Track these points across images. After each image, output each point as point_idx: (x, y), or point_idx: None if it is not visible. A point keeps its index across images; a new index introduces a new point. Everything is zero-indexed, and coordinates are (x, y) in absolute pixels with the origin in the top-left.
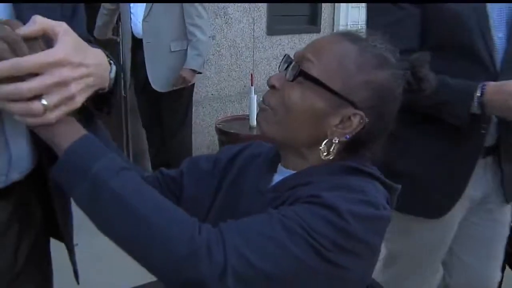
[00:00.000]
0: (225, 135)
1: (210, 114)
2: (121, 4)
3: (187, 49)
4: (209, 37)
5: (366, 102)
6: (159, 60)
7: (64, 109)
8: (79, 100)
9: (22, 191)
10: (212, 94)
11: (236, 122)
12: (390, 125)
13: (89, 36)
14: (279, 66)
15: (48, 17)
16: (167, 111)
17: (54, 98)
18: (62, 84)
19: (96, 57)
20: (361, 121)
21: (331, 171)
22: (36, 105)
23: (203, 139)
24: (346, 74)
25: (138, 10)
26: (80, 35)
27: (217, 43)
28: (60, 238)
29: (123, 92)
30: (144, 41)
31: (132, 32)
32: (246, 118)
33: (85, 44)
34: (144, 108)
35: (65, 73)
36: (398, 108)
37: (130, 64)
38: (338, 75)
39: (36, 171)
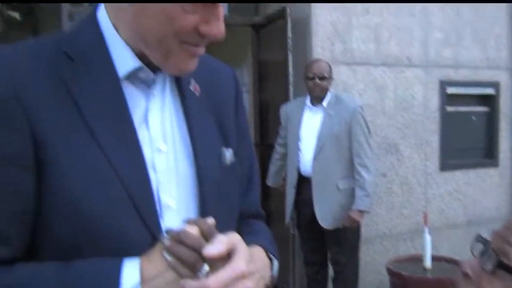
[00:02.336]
0: (396, 277)
1: (380, 253)
2: (289, 143)
3: (354, 187)
4: (380, 174)
5: None
6: (327, 198)
7: None
8: None
9: None
10: (383, 232)
11: (408, 263)
12: None
13: (262, 210)
14: (471, 248)
15: (232, 203)
16: (334, 248)
17: None
18: None
19: (262, 259)
20: None
21: None
22: None
23: (373, 279)
24: None
25: (307, 149)
26: (256, 209)
27: (388, 181)
28: None
29: (291, 230)
30: (312, 179)
31: (299, 170)
32: (419, 259)
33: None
34: (309, 245)
35: (248, 285)
36: None
37: (293, 201)
38: None
39: None
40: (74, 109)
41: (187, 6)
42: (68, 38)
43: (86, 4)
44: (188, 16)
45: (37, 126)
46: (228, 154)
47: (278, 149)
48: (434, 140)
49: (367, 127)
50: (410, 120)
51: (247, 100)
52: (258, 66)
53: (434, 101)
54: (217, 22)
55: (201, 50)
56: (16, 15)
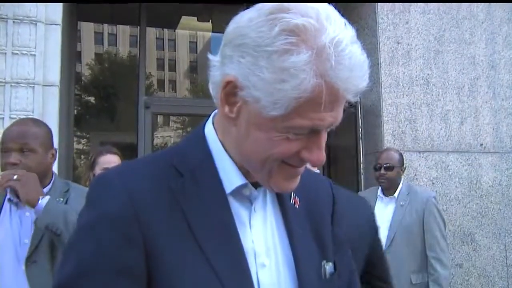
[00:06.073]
0: None
1: None
2: None
3: (428, 281)
4: (456, 265)
5: None
6: None
7: None
8: None
9: None
10: None
11: None
12: None
13: None
14: None
15: None
16: None
17: None
18: None
19: None
20: None
21: None
22: None
23: None
24: None
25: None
26: None
27: (465, 272)
28: None
29: None
30: None
31: None
32: None
33: None
34: None
35: None
36: None
37: None
38: None
39: None
40: (184, 223)
41: (291, 135)
42: (178, 154)
43: (161, 93)
44: (292, 144)
45: (151, 242)
46: (328, 268)
47: None
48: None
49: (442, 218)
50: (486, 209)
51: None
52: (328, 150)
53: None
54: (318, 151)
55: (301, 170)
56: (92, 100)
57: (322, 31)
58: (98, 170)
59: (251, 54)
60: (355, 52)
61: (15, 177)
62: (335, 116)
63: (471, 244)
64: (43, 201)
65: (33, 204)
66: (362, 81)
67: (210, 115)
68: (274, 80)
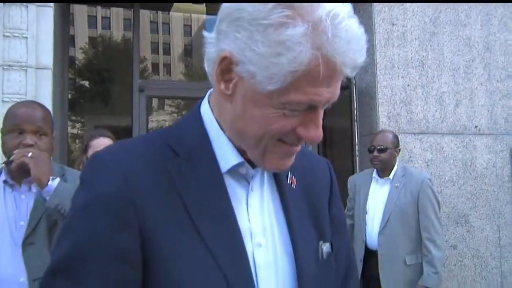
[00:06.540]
0: None
1: None
2: (356, 216)
3: (422, 262)
4: (450, 246)
5: None
6: (394, 273)
7: None
8: None
9: None
10: None
11: None
12: None
13: None
14: None
15: None
16: None
17: None
18: None
19: None
20: None
21: None
22: None
23: None
24: None
25: (374, 222)
26: None
27: (459, 253)
28: None
29: None
30: (379, 253)
31: (365, 243)
32: None
33: None
34: None
35: None
36: None
37: (360, 275)
38: None
39: None
40: (179, 204)
41: (287, 112)
42: (174, 134)
43: (156, 76)
44: (288, 120)
45: (146, 224)
46: (325, 248)
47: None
48: (508, 211)
49: (437, 200)
50: (480, 190)
51: None
52: (323, 132)
53: (507, 170)
54: (314, 128)
55: (296, 149)
56: (86, 84)
57: (318, 4)
58: (91, 154)
59: (246, 29)
60: (352, 25)
61: (29, 154)
62: (332, 92)
63: (465, 225)
64: (54, 182)
65: (43, 184)
66: (359, 55)
67: (206, 94)
68: (270, 54)
